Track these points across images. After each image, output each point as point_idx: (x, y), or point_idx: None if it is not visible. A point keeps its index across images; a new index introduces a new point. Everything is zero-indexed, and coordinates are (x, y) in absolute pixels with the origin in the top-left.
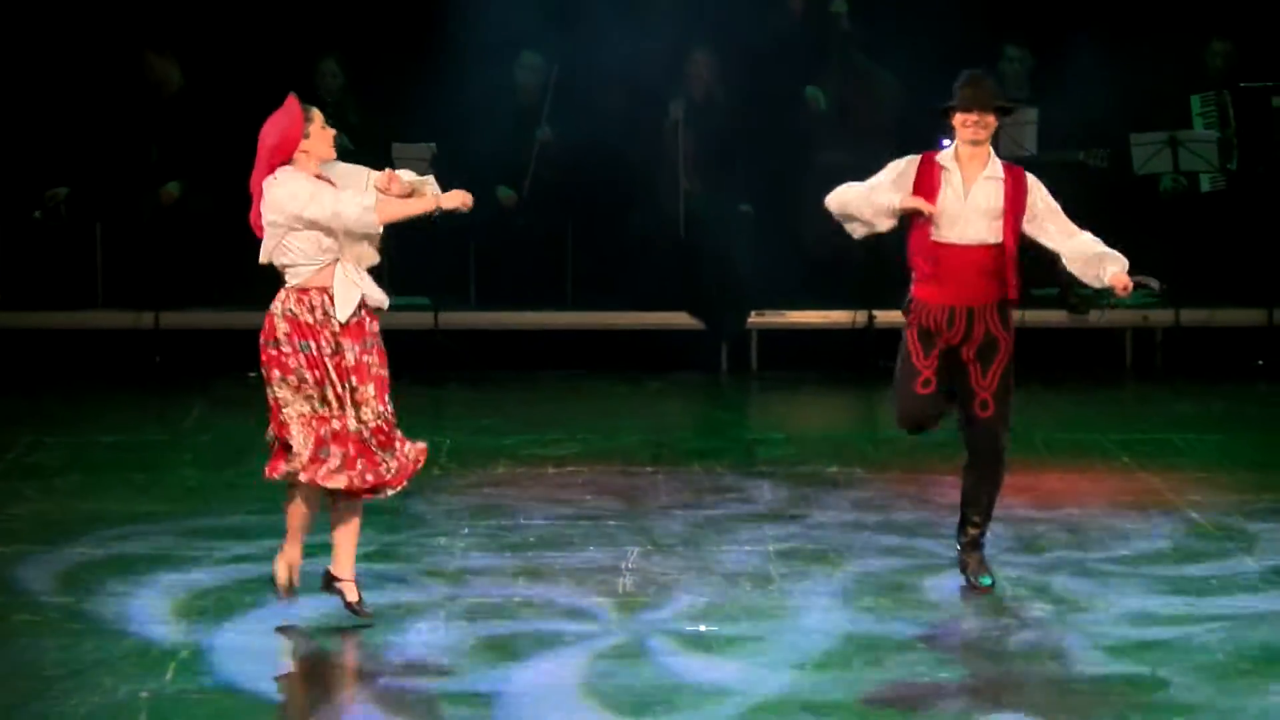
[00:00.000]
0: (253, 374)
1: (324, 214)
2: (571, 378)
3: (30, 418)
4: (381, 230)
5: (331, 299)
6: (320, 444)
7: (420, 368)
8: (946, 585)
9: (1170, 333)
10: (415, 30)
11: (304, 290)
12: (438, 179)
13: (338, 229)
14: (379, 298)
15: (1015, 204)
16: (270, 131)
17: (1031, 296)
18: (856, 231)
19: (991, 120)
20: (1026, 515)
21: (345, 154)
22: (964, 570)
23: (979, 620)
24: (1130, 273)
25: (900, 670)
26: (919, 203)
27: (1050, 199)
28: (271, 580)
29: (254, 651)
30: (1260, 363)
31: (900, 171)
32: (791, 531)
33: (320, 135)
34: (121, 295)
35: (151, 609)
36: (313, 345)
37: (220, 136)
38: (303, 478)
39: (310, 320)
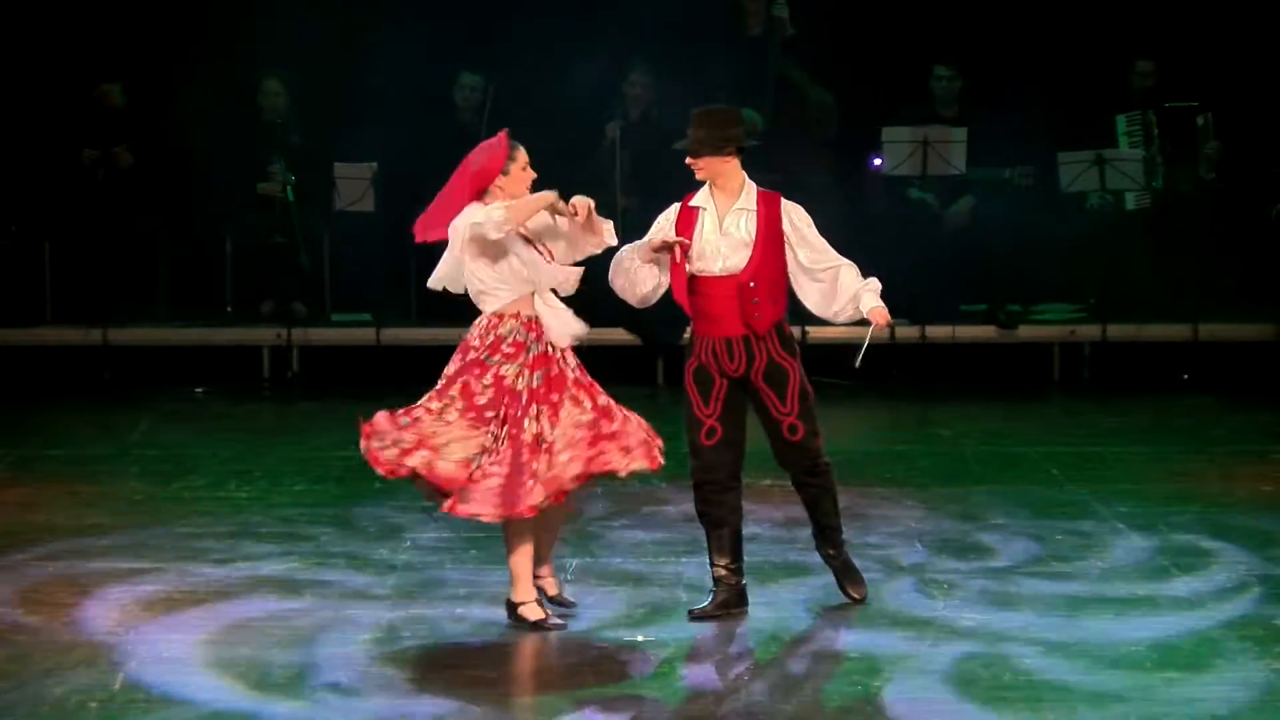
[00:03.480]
0: (199, 390)
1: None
2: None
3: None
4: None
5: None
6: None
7: (363, 383)
8: (875, 596)
9: (1098, 347)
10: (355, 50)
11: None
12: (378, 197)
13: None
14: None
15: (767, 233)
16: (475, 158)
17: (960, 312)
18: (633, 300)
19: (704, 163)
20: (956, 528)
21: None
22: (838, 581)
23: (909, 630)
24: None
25: (833, 679)
26: (667, 236)
27: (804, 225)
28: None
29: (200, 661)
30: (1185, 377)
31: (664, 221)
32: None
33: (519, 176)
34: (70, 312)
35: (99, 620)
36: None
37: (168, 155)
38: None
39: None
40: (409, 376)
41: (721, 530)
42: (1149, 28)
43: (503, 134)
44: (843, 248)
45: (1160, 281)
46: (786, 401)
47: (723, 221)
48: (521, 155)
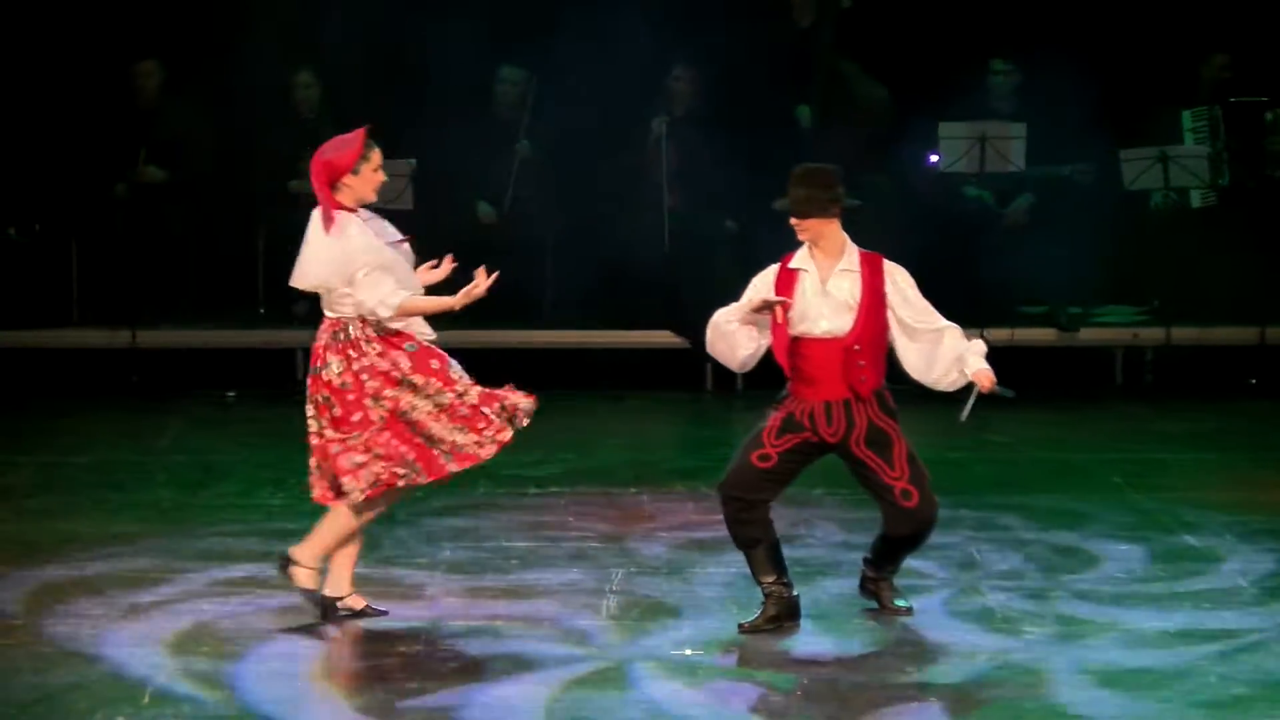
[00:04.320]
0: (230, 394)
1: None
2: (552, 397)
3: (2, 437)
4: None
5: None
6: None
7: None
8: (936, 608)
9: (1161, 351)
10: (393, 42)
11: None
12: (416, 194)
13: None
14: None
15: (871, 295)
16: (328, 150)
17: (1018, 314)
18: (732, 363)
19: (809, 224)
20: (1016, 538)
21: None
22: (879, 597)
23: (968, 645)
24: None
25: (887, 696)
26: (767, 297)
27: (908, 287)
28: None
29: (232, 673)
30: (1253, 381)
31: (760, 283)
32: None
33: (369, 177)
34: (97, 313)
35: (126, 633)
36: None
37: (196, 149)
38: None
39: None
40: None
41: (756, 549)
42: (1215, 20)
43: (360, 131)
44: (895, 247)
45: (1226, 283)
46: (895, 465)
47: (825, 283)
48: (375, 156)
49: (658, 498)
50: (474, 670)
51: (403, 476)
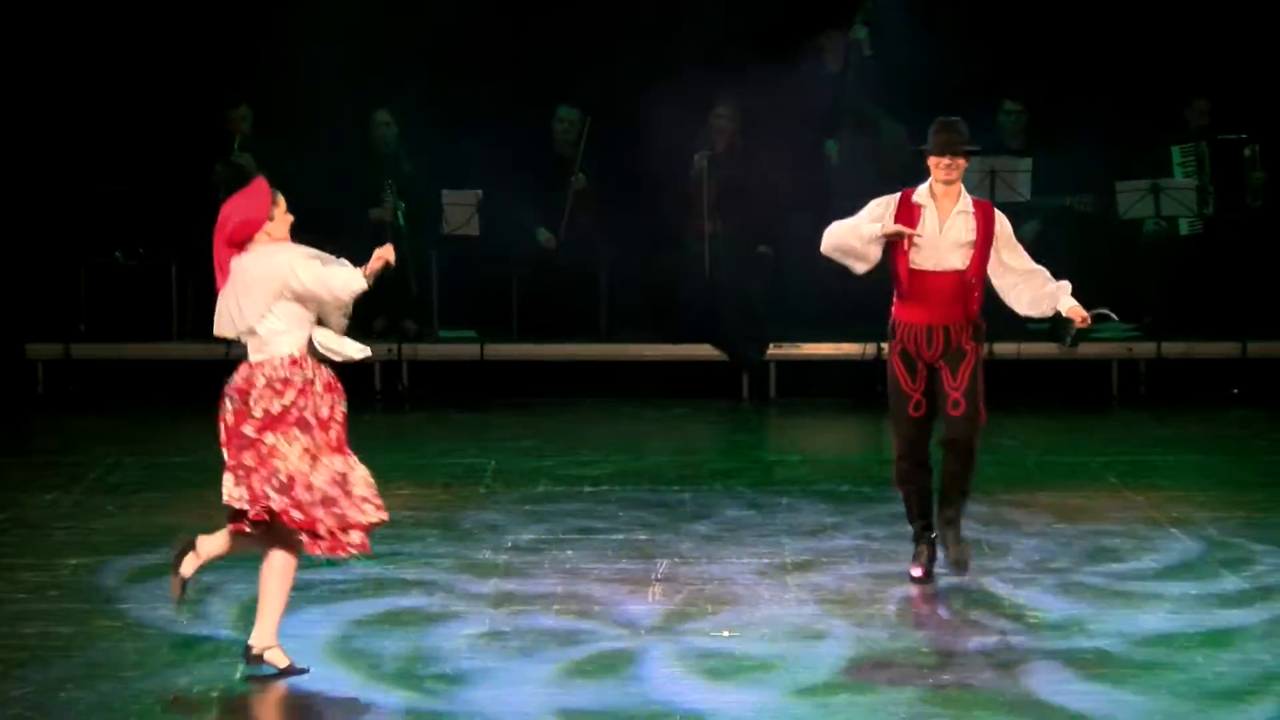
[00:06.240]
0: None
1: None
2: (604, 404)
3: (111, 439)
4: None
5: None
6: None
7: (467, 395)
8: (950, 597)
9: (1153, 364)
10: (462, 85)
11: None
12: (482, 223)
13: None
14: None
15: (985, 235)
16: (238, 208)
17: (1025, 330)
18: (855, 267)
19: (962, 162)
20: (1019, 532)
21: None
22: (944, 543)
23: (972, 633)
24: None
25: (901, 673)
26: (900, 227)
27: (1009, 231)
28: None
29: (315, 654)
30: (1235, 391)
31: (882, 207)
32: (807, 546)
33: (282, 219)
34: (195, 329)
35: (222, 614)
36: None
37: (279, 182)
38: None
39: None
40: (510, 389)
41: (910, 498)
42: (1202, 66)
43: (261, 181)
44: None
45: (1211, 302)
46: (957, 377)
47: (944, 221)
48: (281, 200)
49: (699, 495)
50: (531, 646)
51: None
